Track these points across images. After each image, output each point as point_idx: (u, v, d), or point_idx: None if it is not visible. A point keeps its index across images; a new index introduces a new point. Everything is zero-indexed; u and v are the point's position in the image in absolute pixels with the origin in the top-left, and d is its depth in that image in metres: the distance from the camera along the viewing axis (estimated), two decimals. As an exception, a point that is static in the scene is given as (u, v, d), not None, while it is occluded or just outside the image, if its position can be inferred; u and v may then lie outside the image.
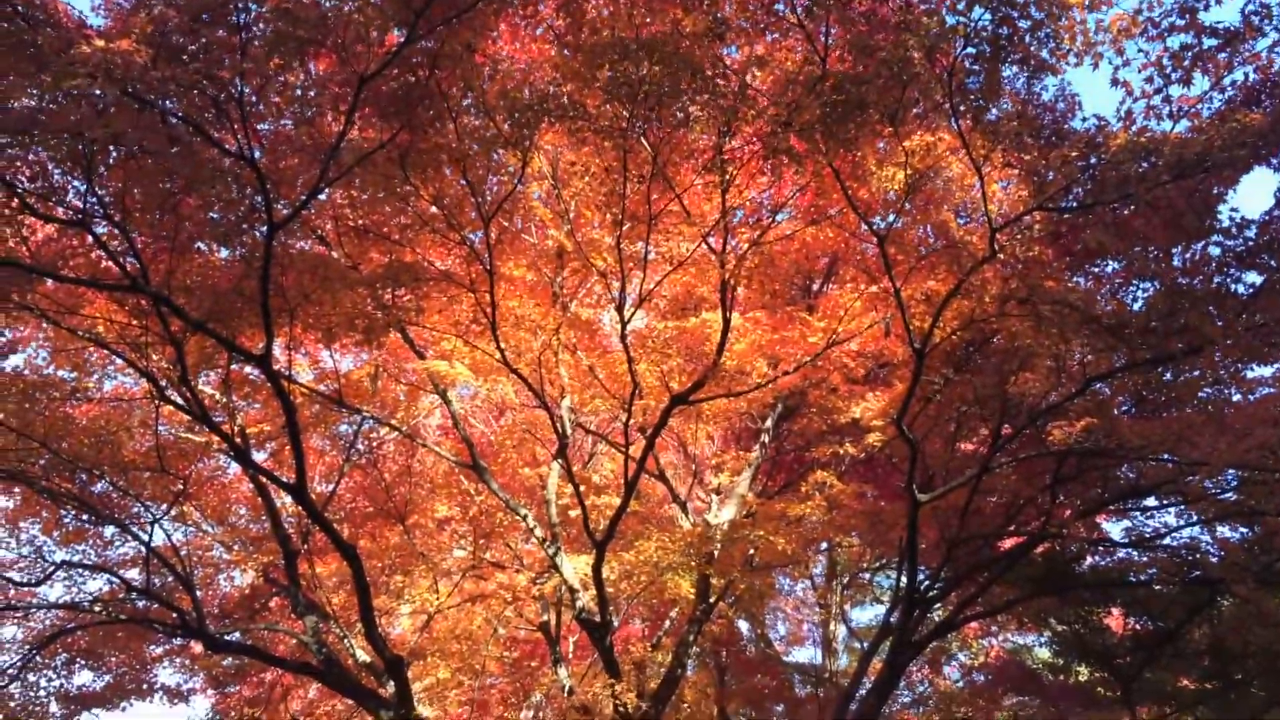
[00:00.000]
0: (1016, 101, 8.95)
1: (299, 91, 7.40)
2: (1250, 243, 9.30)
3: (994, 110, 8.26)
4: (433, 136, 7.78)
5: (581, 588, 10.40)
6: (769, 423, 13.06)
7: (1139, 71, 8.64)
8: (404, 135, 7.58)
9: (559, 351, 10.76)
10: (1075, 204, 8.92)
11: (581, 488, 10.33)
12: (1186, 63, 8.44)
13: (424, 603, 12.95)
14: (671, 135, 8.50)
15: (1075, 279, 11.33)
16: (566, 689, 11.30)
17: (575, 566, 10.65)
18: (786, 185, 10.58)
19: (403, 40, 6.88)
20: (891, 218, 10.06)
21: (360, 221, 9.31)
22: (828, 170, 9.00)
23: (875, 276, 10.93)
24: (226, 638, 10.25)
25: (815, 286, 13.78)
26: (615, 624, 10.97)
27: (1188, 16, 8.15)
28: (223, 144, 6.88)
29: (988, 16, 7.59)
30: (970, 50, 7.79)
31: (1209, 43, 8.35)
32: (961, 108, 8.07)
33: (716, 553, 11.16)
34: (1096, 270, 11.67)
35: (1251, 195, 51.93)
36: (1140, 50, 8.52)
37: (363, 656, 10.92)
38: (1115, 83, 8.71)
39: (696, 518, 13.24)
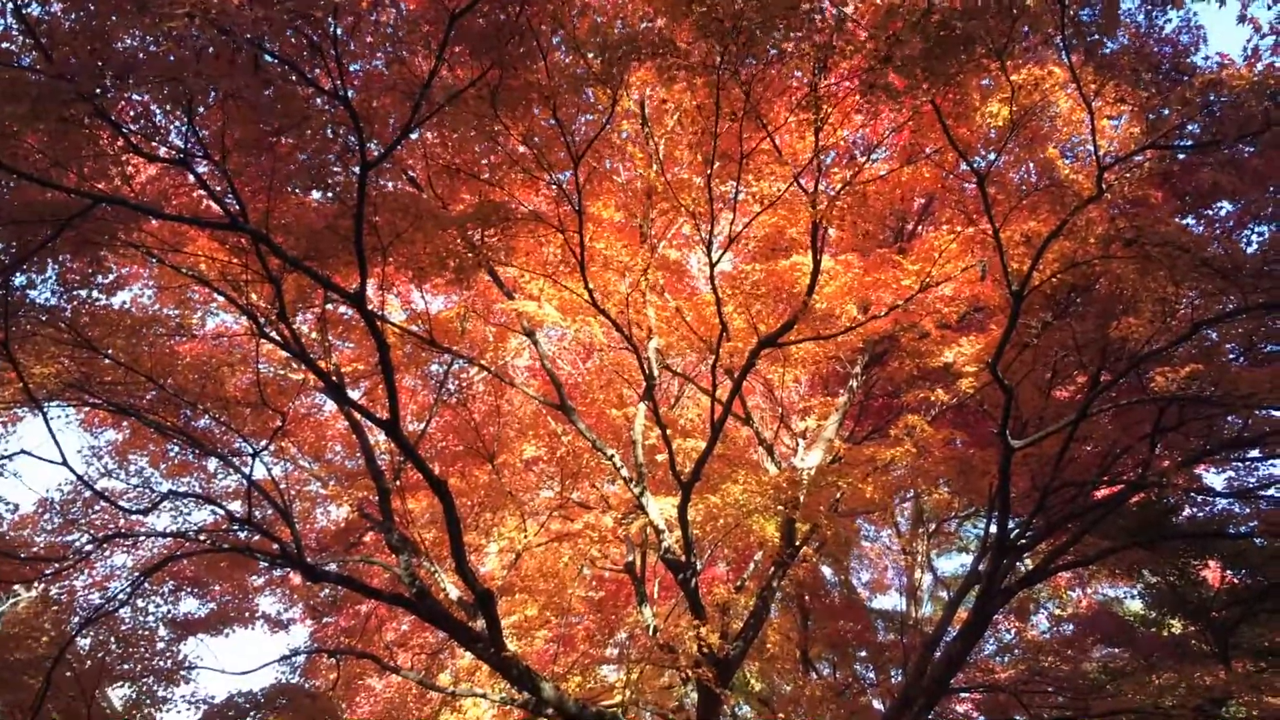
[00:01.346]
0: (1135, 35, 8.54)
1: (390, 30, 7.40)
2: None
3: (1109, 44, 7.88)
4: (522, 74, 7.71)
5: (667, 529, 10.45)
6: (858, 368, 12.89)
7: (1269, 7, 8.20)
8: (494, 73, 7.53)
9: (646, 293, 10.72)
10: (1192, 143, 8.51)
11: (668, 430, 10.33)
12: None
13: (512, 541, 13.17)
14: (764, 72, 8.29)
15: (1186, 221, 10.89)
16: (651, 628, 11.43)
17: (661, 508, 10.70)
18: (883, 123, 10.29)
19: (494, -24, 6.81)
20: (992, 156, 9.73)
21: (451, 161, 9.33)
22: (927, 107, 8.70)
23: (973, 218, 10.61)
24: (324, 569, 10.56)
25: (909, 228, 13.46)
26: (700, 566, 11.02)
27: None
28: (318, 83, 6.92)
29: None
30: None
31: None
32: (1074, 41, 7.71)
33: (802, 498, 11.10)
34: (1210, 213, 11.20)
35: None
36: None
37: (454, 591, 11.18)
38: (1243, 19, 8.27)
39: (783, 462, 13.18)
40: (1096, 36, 7.71)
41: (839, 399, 12.85)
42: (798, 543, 12.05)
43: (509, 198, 9.76)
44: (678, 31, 7.93)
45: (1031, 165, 11.20)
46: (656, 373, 10.94)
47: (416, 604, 9.89)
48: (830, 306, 10.91)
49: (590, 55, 7.87)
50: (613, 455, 10.70)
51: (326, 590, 15.04)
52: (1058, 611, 21.35)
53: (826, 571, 18.59)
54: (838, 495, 12.26)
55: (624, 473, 10.70)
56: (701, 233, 9.71)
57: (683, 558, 10.29)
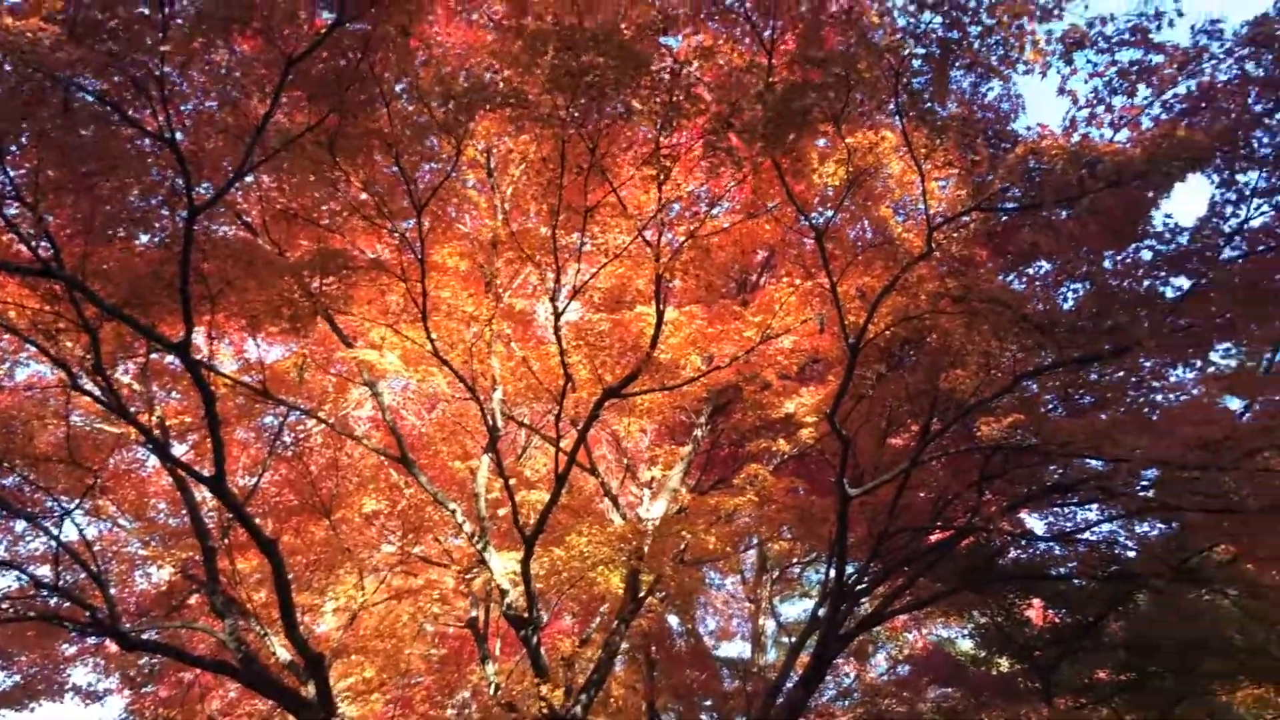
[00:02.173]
0: (962, 103, 9.01)
1: (224, 71, 7.13)
2: (1181, 248, 9.46)
3: (940, 111, 8.31)
4: (363, 121, 7.56)
5: (510, 584, 10.25)
6: (702, 417, 13.03)
7: (1085, 81, 8.86)
8: (333, 119, 7.34)
9: (492, 342, 10.59)
10: (1014, 205, 9.01)
11: (512, 481, 10.19)
12: (1133, 76, 8.72)
13: (349, 599, 12.68)
14: (611, 126, 8.38)
15: (1008, 278, 11.48)
16: (493, 687, 11.16)
17: (504, 562, 10.50)
18: (725, 178, 10.53)
19: (332, 22, 6.66)
20: (830, 213, 10.07)
21: (288, 206, 9.03)
22: (767, 164, 8.97)
23: (811, 272, 10.94)
24: (142, 636, 9.90)
25: (752, 280, 13.77)
26: (544, 620, 10.86)
27: (1139, 34, 8.47)
28: (142, 124, 6.59)
29: (938, 19, 7.64)
30: (920, 51, 7.83)
31: (1156, 59, 8.70)
32: (908, 109, 8.11)
33: (647, 548, 11.09)
34: (1030, 271, 11.85)
35: (1185, 198, 53.47)
36: (1089, 61, 8.72)
37: (284, 655, 10.64)
38: (1062, 91, 8.89)
39: (629, 512, 13.16)
40: (929, 105, 8.13)
41: (684, 449, 12.95)
42: (643, 593, 12.00)
43: (350, 245, 9.50)
44: (527, 82, 7.94)
45: (867, 223, 11.64)
46: (501, 424, 10.78)
47: (242, 670, 9.37)
48: (675, 357, 11.00)
49: (434, 104, 7.78)
50: (455, 509, 10.46)
51: (145, 658, 14.10)
52: (895, 654, 21.95)
53: (673, 621, 18.58)
54: (682, 545, 12.31)
55: (466, 527, 10.46)
56: (547, 283, 9.69)
57: (525, 613, 10.10)
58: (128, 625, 9.85)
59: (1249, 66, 8.66)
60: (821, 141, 9.32)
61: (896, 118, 8.40)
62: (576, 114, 7.96)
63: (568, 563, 10.79)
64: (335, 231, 9.21)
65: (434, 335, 9.31)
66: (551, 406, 11.12)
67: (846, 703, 20.23)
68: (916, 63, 7.94)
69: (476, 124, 9.05)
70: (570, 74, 7.40)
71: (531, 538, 9.60)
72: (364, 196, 8.68)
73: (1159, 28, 8.36)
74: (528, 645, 10.22)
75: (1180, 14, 8.14)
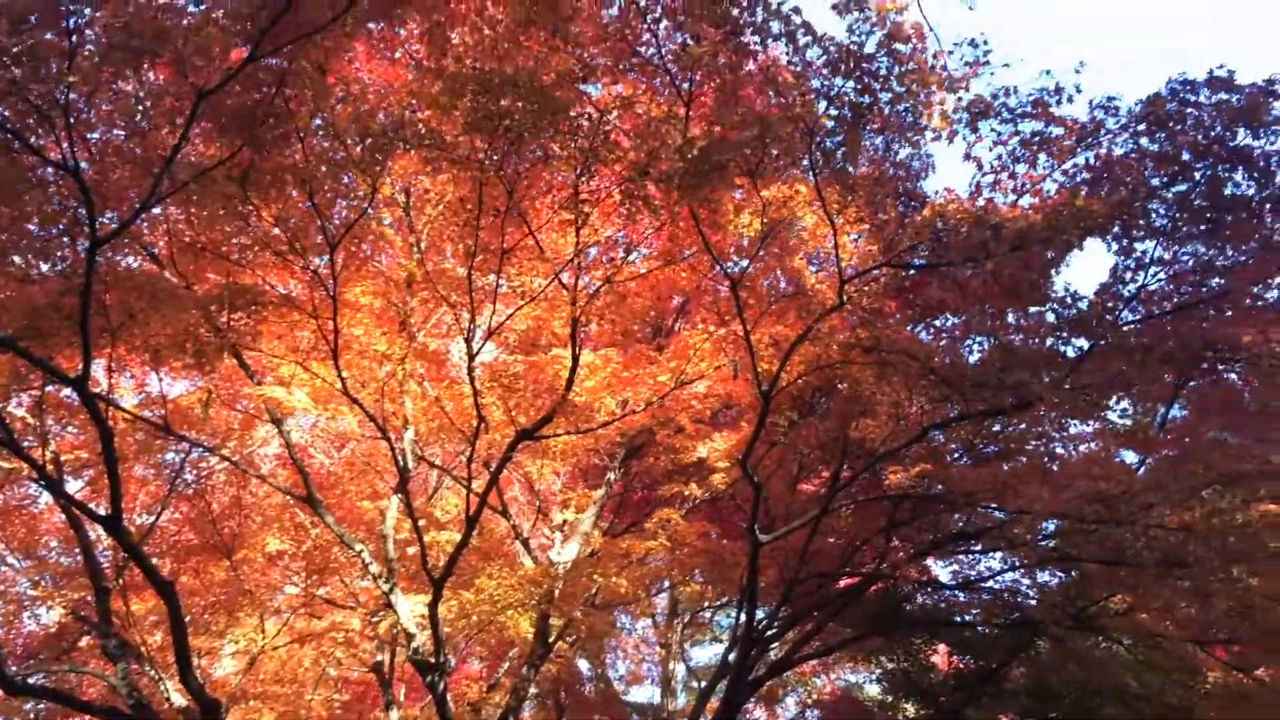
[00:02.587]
0: (874, 162, 9.30)
1: (133, 101, 7.01)
2: (1081, 312, 9.83)
3: (852, 170, 8.57)
4: (277, 156, 7.49)
5: (417, 627, 10.08)
6: (616, 461, 13.05)
7: (990, 149, 9.27)
8: (246, 153, 7.26)
9: (404, 382, 10.49)
10: (922, 263, 9.27)
11: (421, 522, 10.05)
12: (1035, 146, 9.17)
13: (249, 642, 12.30)
14: (530, 170, 8.44)
15: (917, 329, 11.78)
16: (397, 733, 10.93)
17: (411, 605, 10.32)
18: (642, 225, 10.65)
19: (246, 57, 6.60)
20: (745, 263, 10.24)
21: (196, 239, 8.87)
22: (684, 213, 9.11)
23: (726, 319, 11.09)
24: (28, 680, 9.48)
25: (668, 325, 13.89)
26: (452, 664, 10.68)
27: (1040, 108, 8.89)
28: (44, 152, 6.44)
29: (851, 84, 7.91)
30: (833, 112, 8.08)
31: (1056, 131, 9.10)
32: (821, 166, 8.34)
33: (558, 591, 11.02)
34: (938, 323, 12.17)
35: (1091, 259, 55.42)
36: (994, 130, 9.14)
37: (179, 700, 10.27)
38: (968, 157, 9.28)
39: (540, 555, 13.07)
40: (841, 165, 8.39)
41: (597, 492, 12.94)
42: (553, 637, 11.90)
43: (260, 280, 9.35)
44: (446, 124, 7.96)
45: (781, 273, 11.85)
46: (412, 464, 10.66)
47: (134, 717, 9.02)
48: (590, 400, 11.02)
49: (350, 143, 7.74)
50: (362, 550, 10.27)
51: (32, 704, 13.47)
52: (805, 699, 22.04)
53: (583, 665, 18.45)
54: (594, 588, 12.26)
55: (374, 568, 10.27)
56: (462, 323, 9.65)
57: (432, 658, 9.93)
58: (14, 669, 9.42)
59: (1144, 141, 9.13)
60: (738, 193, 9.51)
61: (810, 174, 8.62)
62: (495, 156, 8.00)
63: (477, 606, 10.67)
64: (245, 266, 9.06)
65: (345, 373, 9.19)
66: (464, 447, 11.04)
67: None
68: (830, 123, 8.20)
69: (393, 163, 9.03)
70: (489, 117, 7.45)
71: (440, 580, 9.46)
72: (276, 231, 8.56)
73: (1059, 102, 8.81)
74: (434, 691, 10.03)
75: (1079, 90, 8.64)
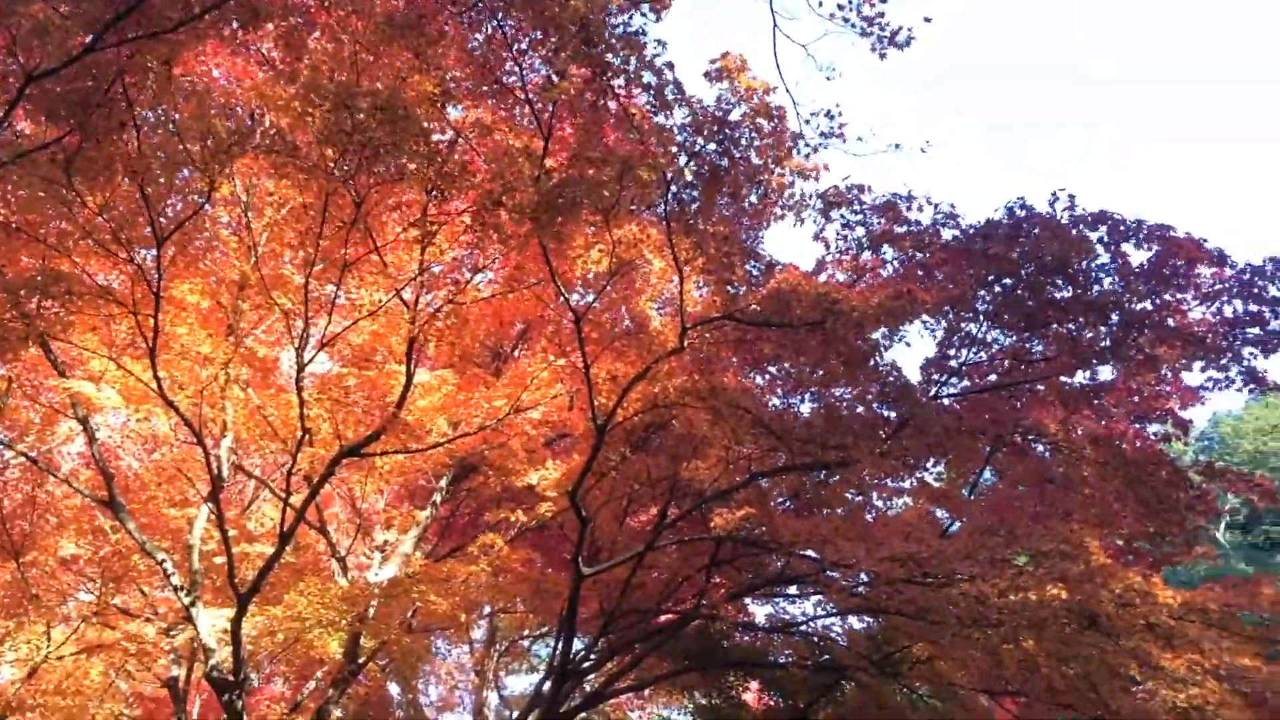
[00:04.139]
0: (724, 221, 9.61)
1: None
2: (903, 384, 10.50)
3: (703, 226, 8.85)
4: (109, 145, 7.12)
5: (217, 643, 9.66)
6: (443, 482, 12.86)
7: (838, 233, 9.93)
8: (73, 138, 6.89)
9: (226, 387, 10.07)
10: (764, 321, 9.64)
11: (232, 533, 9.66)
12: (881, 239, 10.09)
13: (33, 650, 11.49)
14: (380, 185, 8.29)
15: (752, 375, 12.12)
16: (186, 753, 10.42)
17: (214, 619, 9.88)
18: (490, 249, 10.61)
19: (87, 45, 6.28)
20: (591, 297, 10.35)
21: (8, 220, 8.32)
22: (534, 242, 9.14)
23: (567, 351, 11.13)
24: None
25: (507, 351, 13.83)
26: (255, 682, 10.28)
27: (890, 210, 9.87)
28: None
29: (712, 146, 8.19)
30: (693, 167, 8.33)
31: (900, 229, 9.94)
32: (675, 215, 8.56)
33: (372, 611, 10.77)
34: (773, 369, 12.56)
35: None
36: (843, 217, 9.79)
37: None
38: (817, 237, 9.92)
39: (358, 575, 12.74)
40: (694, 222, 8.65)
41: (421, 513, 12.72)
42: (363, 659, 11.61)
43: (78, 268, 8.84)
44: (298, 129, 7.75)
45: (626, 311, 12.00)
46: (227, 473, 10.25)
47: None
48: (422, 420, 10.86)
49: (192, 141, 7.45)
50: (164, 560, 9.79)
51: None
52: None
53: (394, 690, 18.00)
54: (411, 611, 12.03)
55: (175, 579, 9.80)
56: (294, 332, 9.38)
57: (232, 675, 9.53)
58: None
59: (977, 244, 9.93)
60: (590, 229, 9.62)
61: (664, 221, 8.82)
62: (347, 167, 7.84)
63: (284, 623, 10.32)
64: (64, 253, 8.55)
65: (162, 373, 8.78)
66: (286, 459, 10.68)
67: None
68: (689, 176, 8.45)
69: (237, 160, 8.73)
70: (344, 132, 7.30)
71: (246, 595, 9.11)
72: (101, 220, 8.13)
73: (909, 209, 9.79)
74: (230, 710, 9.63)
75: (929, 201, 9.83)
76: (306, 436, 9.50)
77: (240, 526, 11.39)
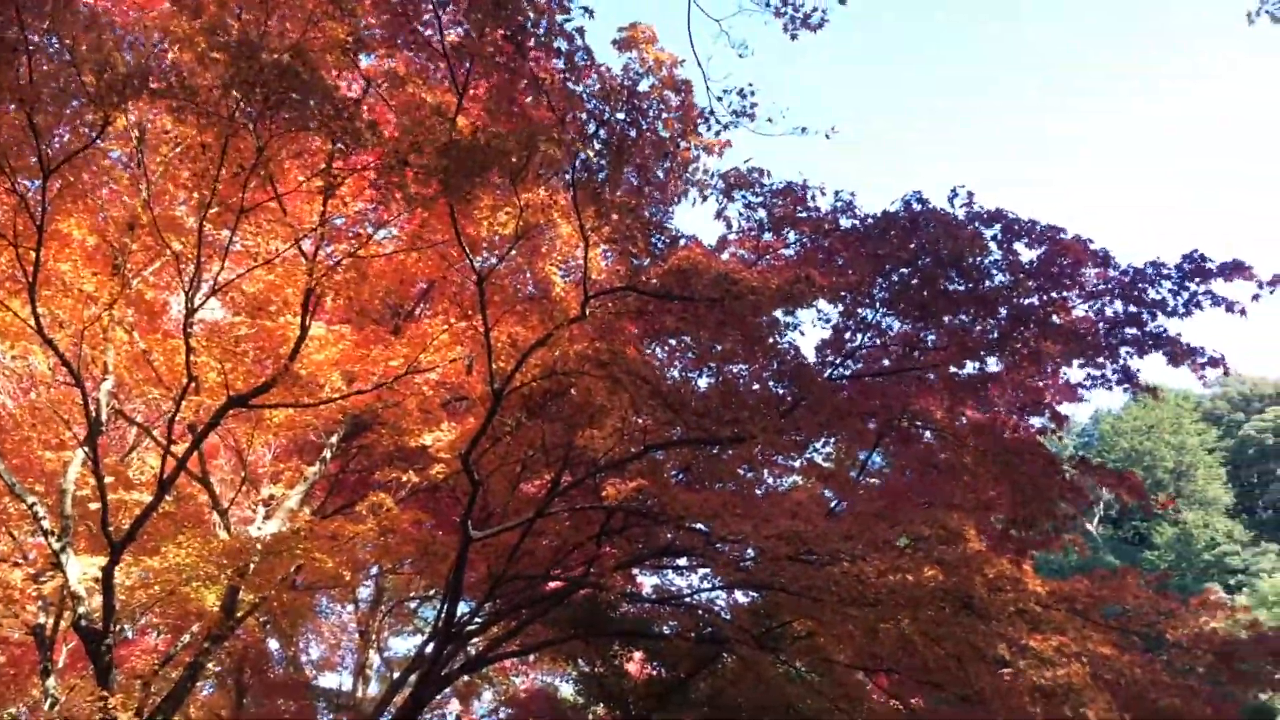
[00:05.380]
0: (630, 193, 9.62)
1: None
2: (800, 364, 10.70)
3: (610, 196, 8.86)
4: (-5, 69, 6.79)
5: (87, 592, 9.38)
6: (334, 439, 12.67)
7: (740, 212, 10.07)
8: (-46, 59, 6.55)
9: (110, 328, 9.73)
10: (667, 294, 9.70)
11: (109, 480, 9.40)
12: (782, 222, 10.35)
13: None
14: (284, 132, 8.07)
15: (653, 346, 12.20)
16: (49, 702, 10.11)
17: (85, 567, 9.58)
18: (395, 206, 10.43)
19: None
20: (495, 260, 10.27)
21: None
22: (440, 200, 9.02)
23: (468, 312, 11.05)
24: None
25: (408, 309, 13.64)
26: (128, 634, 10.02)
27: (790, 194, 10.13)
28: None
29: (621, 115, 8.17)
30: (602, 135, 8.30)
31: (804, 214, 10.19)
32: (582, 185, 8.53)
33: (253, 566, 10.58)
34: (673, 342, 12.68)
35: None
36: (745, 197, 9.92)
37: None
38: (719, 215, 10.05)
39: (241, 529, 12.49)
40: (601, 193, 8.64)
41: (310, 469, 12.51)
42: (241, 614, 11.40)
43: (-44, 195, 8.43)
44: (200, 70, 7.48)
45: (530, 276, 11.94)
46: (106, 417, 9.92)
47: None
48: (315, 374, 10.67)
49: (88, 74, 7.14)
50: (34, 502, 9.46)
51: None
52: (501, 697, 22.22)
53: (274, 646, 17.74)
54: (294, 568, 11.85)
55: (46, 524, 9.48)
56: (185, 276, 9.11)
57: (101, 625, 9.27)
58: None
59: (875, 234, 10.21)
60: (498, 191, 9.53)
61: (571, 188, 8.79)
62: (250, 110, 7.61)
63: (161, 575, 10.07)
64: (-60, 180, 8.14)
65: (41, 310, 8.45)
66: (171, 407, 10.39)
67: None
68: (598, 144, 8.42)
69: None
70: (247, 82, 7.08)
71: (120, 543, 8.86)
72: (-18, 147, 7.75)
73: (810, 197, 10.10)
74: (97, 661, 9.38)
75: (823, 191, 10.17)
76: (193, 384, 9.26)
77: (119, 473, 11.05)
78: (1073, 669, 10.77)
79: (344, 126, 7.63)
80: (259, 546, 10.63)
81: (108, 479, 9.32)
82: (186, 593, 10.48)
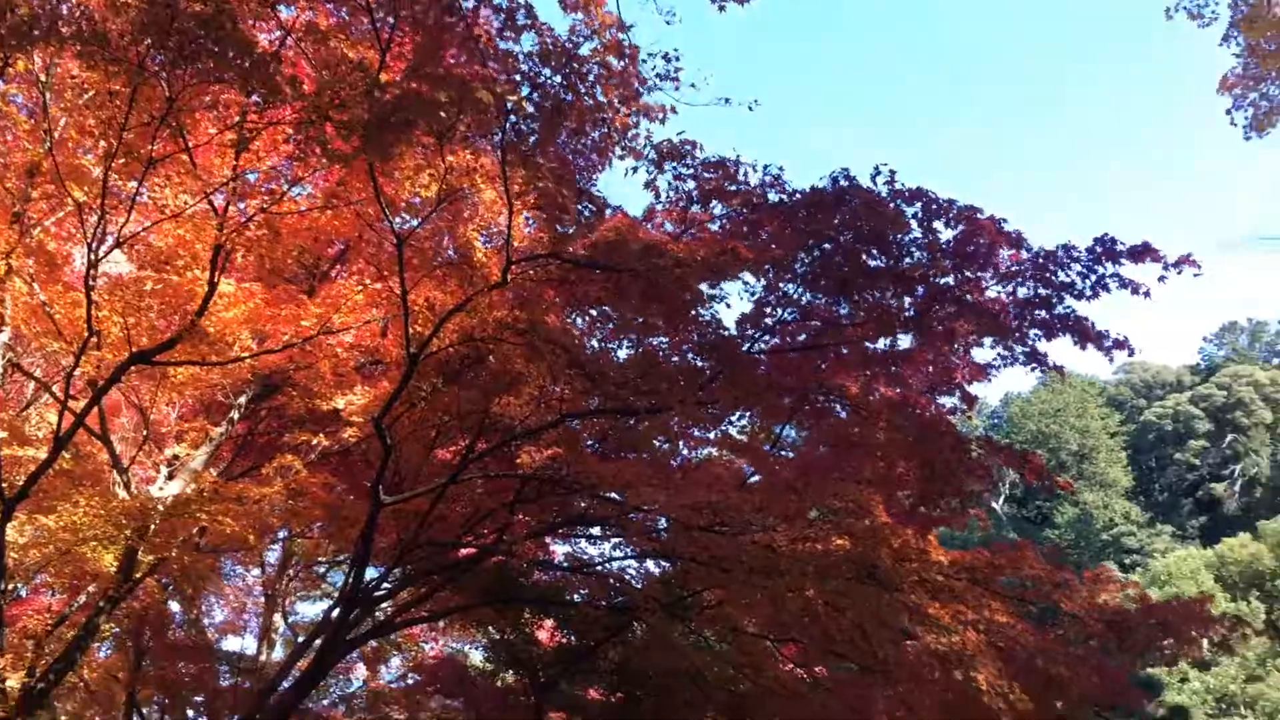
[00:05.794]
0: (561, 160, 9.53)
1: None
2: (719, 338, 10.80)
3: (540, 161, 8.74)
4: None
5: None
6: (243, 399, 12.39)
7: (670, 183, 10.10)
8: None
9: (7, 278, 9.36)
10: (591, 262, 9.65)
11: (3, 435, 9.09)
12: (711, 195, 10.57)
13: None
14: (197, 83, 7.80)
15: (573, 316, 12.17)
16: (-67, 663, 9.78)
17: (-25, 526, 9.25)
18: (312, 162, 10.17)
19: None
20: (415, 222, 10.12)
21: None
22: (360, 159, 8.82)
23: (385, 274, 10.88)
24: None
25: (323, 269, 13.35)
26: (21, 593, 9.72)
27: (721, 169, 10.27)
28: None
29: (558, 78, 8.04)
30: (536, 98, 8.17)
31: (732, 187, 10.35)
32: (511, 148, 8.41)
33: (154, 527, 10.33)
34: (594, 312, 12.67)
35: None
36: (675, 169, 9.95)
37: None
38: (649, 185, 10.06)
39: (143, 488, 12.16)
40: (532, 150, 8.52)
41: (216, 430, 12.22)
42: (139, 575, 11.14)
43: None
44: (110, 19, 7.18)
45: (451, 240, 11.78)
46: (2, 370, 9.59)
47: None
48: (224, 332, 10.39)
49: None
50: (-79, 457, 9.11)
51: None
52: (409, 662, 22.15)
53: (176, 609, 17.36)
54: (197, 530, 11.61)
55: (-66, 480, 9.12)
56: (88, 227, 8.80)
57: (-9, 584, 8.98)
58: None
59: (800, 210, 10.33)
60: (421, 150, 9.36)
61: (499, 151, 8.65)
62: (162, 58, 7.34)
63: (56, 534, 9.78)
64: None
65: (-67, 258, 8.10)
66: (71, 361, 10.05)
67: (349, 707, 20.04)
68: (530, 107, 8.28)
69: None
70: (162, 30, 6.82)
71: (13, 500, 8.56)
72: None
73: (738, 173, 10.19)
74: (-15, 619, 9.09)
75: (754, 167, 10.25)
76: (94, 338, 8.98)
77: (14, 429, 10.69)
78: (968, 636, 11.16)
79: (263, 80, 7.42)
80: (160, 507, 10.38)
81: (2, 434, 9.00)
82: (83, 552, 10.20)
